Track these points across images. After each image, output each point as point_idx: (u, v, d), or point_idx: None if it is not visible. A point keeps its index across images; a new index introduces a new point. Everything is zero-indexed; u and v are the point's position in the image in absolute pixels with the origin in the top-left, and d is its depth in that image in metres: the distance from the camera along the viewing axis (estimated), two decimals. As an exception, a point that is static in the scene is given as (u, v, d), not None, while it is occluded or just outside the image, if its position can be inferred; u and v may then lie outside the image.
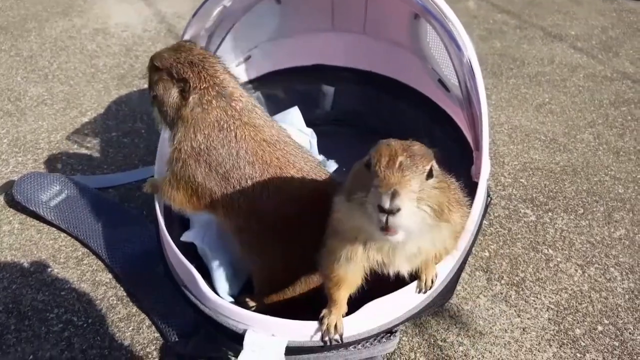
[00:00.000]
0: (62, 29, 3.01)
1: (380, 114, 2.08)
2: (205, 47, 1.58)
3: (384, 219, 0.80)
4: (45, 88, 2.45)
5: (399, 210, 0.79)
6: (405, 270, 1.06)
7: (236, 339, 1.14)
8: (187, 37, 1.44)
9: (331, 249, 1.04)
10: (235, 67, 1.91)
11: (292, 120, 1.93)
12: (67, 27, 3.04)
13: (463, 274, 1.52)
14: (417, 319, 1.43)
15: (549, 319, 1.50)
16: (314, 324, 1.12)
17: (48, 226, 1.71)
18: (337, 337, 1.12)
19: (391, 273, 1.06)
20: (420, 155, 0.86)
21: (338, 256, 1.02)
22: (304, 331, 1.12)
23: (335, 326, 1.11)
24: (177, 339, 1.35)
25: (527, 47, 3.05)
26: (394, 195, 0.79)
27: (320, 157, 1.84)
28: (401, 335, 1.40)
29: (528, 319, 1.49)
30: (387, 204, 0.78)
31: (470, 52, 1.47)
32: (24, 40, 2.88)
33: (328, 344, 1.13)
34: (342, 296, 1.11)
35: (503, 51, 2.99)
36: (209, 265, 1.47)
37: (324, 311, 1.13)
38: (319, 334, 1.13)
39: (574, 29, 3.29)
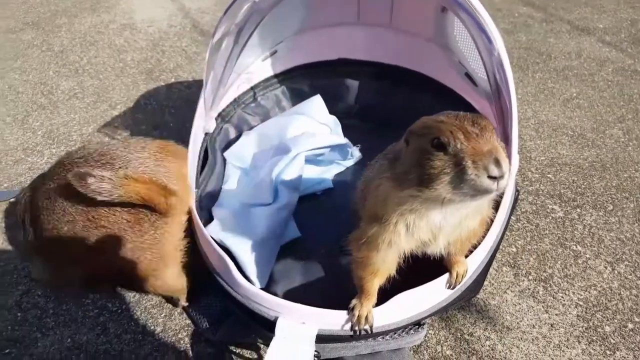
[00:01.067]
0: (90, 25, 3.08)
1: (403, 107, 2.08)
2: (234, 43, 1.61)
3: (495, 186, 0.80)
4: (76, 82, 2.51)
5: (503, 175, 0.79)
6: (442, 246, 1.06)
7: (267, 326, 1.17)
8: (218, 34, 1.46)
9: (372, 236, 1.04)
10: (262, 61, 1.93)
11: (312, 110, 1.95)
12: (95, 22, 3.11)
13: (490, 269, 1.52)
14: (444, 313, 1.44)
15: (578, 315, 1.48)
16: (345, 314, 1.13)
17: (82, 216, 1.76)
18: (367, 327, 1.14)
19: (429, 252, 1.07)
20: (486, 120, 0.87)
21: (379, 242, 1.02)
22: (334, 320, 1.14)
23: (366, 317, 1.13)
24: (207, 326, 1.38)
25: (554, 41, 2.99)
26: (497, 161, 0.79)
27: (345, 140, 1.85)
28: (428, 328, 1.41)
29: (556, 315, 1.48)
30: (495, 172, 0.79)
31: (500, 44, 1.46)
32: (54, 36, 2.96)
33: (357, 334, 1.15)
34: (374, 287, 1.12)
35: (529, 45, 2.95)
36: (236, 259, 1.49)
37: (354, 302, 1.15)
38: (349, 324, 1.14)
39: (602, 22, 3.22)
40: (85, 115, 2.28)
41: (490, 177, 0.80)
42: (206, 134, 1.73)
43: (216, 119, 1.82)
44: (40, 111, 2.31)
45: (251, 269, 1.45)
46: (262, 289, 1.45)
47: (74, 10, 3.27)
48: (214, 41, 1.47)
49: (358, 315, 1.12)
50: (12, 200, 1.82)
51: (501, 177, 0.80)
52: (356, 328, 1.13)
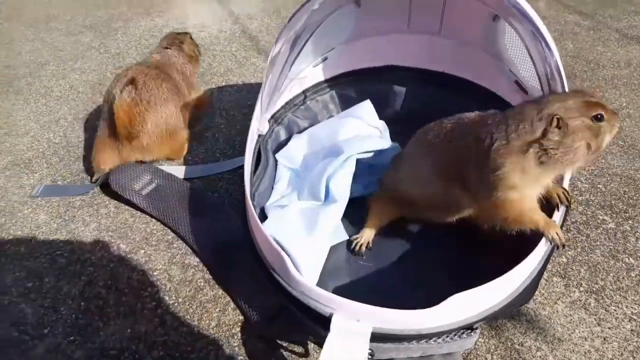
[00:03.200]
0: (145, 28, 3.22)
1: (451, 113, 2.07)
2: (290, 50, 1.67)
3: None
4: (132, 84, 2.63)
5: None
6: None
7: (321, 323, 1.20)
8: (279, 45, 1.52)
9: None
10: (313, 67, 1.99)
11: (363, 114, 1.99)
12: (149, 26, 3.24)
13: (541, 279, 1.51)
14: (495, 320, 1.44)
15: (632, 330, 1.46)
16: (401, 313, 1.16)
17: (140, 211, 1.85)
18: None
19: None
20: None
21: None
22: (390, 318, 1.16)
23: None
24: (260, 322, 1.43)
25: (602, 49, 2.94)
26: None
27: (395, 144, 1.88)
28: (479, 334, 1.41)
29: (609, 328, 1.46)
30: None
31: (555, 52, 1.47)
32: (111, 39, 3.11)
33: None
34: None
35: (576, 53, 2.90)
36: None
37: None
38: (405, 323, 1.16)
39: (654, 30, 3.14)
40: (141, 115, 2.38)
41: None
42: (259, 135, 1.79)
43: (269, 121, 1.89)
44: (99, 111, 2.42)
45: (303, 267, 1.48)
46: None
47: (129, 14, 3.42)
48: (275, 51, 1.53)
49: None
50: (79, 196, 1.93)
51: None
52: None
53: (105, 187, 1.93)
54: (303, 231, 1.56)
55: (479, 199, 1.37)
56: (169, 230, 1.77)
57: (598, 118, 1.21)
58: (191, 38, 2.31)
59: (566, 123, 1.21)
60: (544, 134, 1.22)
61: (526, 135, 1.24)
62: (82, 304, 1.53)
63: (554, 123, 1.21)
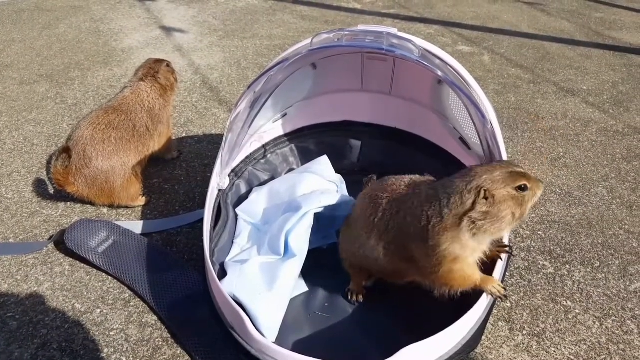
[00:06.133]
0: (103, 78, 3.23)
1: (402, 165, 2.20)
2: (250, 109, 1.76)
3: None
4: (89, 135, 2.63)
5: None
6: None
7: (280, 380, 1.24)
8: (241, 105, 1.60)
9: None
10: (273, 123, 2.08)
11: (320, 169, 2.08)
12: (108, 76, 3.27)
13: (487, 324, 1.61)
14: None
15: (570, 370, 1.56)
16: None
17: (96, 268, 1.82)
18: None
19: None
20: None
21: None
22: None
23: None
24: (220, 380, 1.44)
25: (541, 102, 3.20)
26: None
27: (350, 198, 1.97)
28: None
29: (550, 369, 1.56)
30: None
31: (492, 116, 1.62)
32: (68, 88, 3.10)
33: None
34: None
35: (518, 105, 3.14)
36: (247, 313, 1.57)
37: None
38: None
39: (586, 84, 3.45)
40: (98, 167, 2.38)
41: None
42: (220, 190, 1.84)
43: (229, 175, 1.94)
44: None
45: (263, 323, 1.52)
46: (272, 342, 1.52)
47: (86, 63, 3.44)
48: (235, 113, 1.61)
49: None
50: (32, 254, 1.89)
51: None
52: None
53: (60, 244, 1.90)
54: (263, 287, 1.59)
55: (424, 271, 1.43)
56: (126, 288, 1.75)
57: (522, 188, 1.30)
58: (168, 65, 2.30)
59: (493, 194, 1.28)
60: (473, 205, 1.28)
61: (457, 208, 1.30)
62: (35, 369, 1.49)
63: (482, 195, 1.28)
